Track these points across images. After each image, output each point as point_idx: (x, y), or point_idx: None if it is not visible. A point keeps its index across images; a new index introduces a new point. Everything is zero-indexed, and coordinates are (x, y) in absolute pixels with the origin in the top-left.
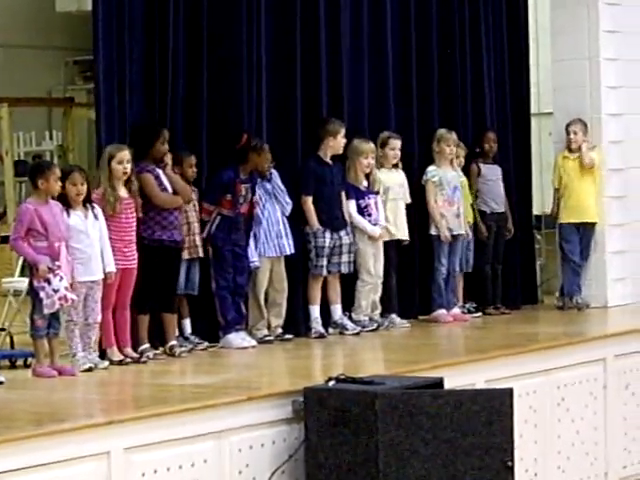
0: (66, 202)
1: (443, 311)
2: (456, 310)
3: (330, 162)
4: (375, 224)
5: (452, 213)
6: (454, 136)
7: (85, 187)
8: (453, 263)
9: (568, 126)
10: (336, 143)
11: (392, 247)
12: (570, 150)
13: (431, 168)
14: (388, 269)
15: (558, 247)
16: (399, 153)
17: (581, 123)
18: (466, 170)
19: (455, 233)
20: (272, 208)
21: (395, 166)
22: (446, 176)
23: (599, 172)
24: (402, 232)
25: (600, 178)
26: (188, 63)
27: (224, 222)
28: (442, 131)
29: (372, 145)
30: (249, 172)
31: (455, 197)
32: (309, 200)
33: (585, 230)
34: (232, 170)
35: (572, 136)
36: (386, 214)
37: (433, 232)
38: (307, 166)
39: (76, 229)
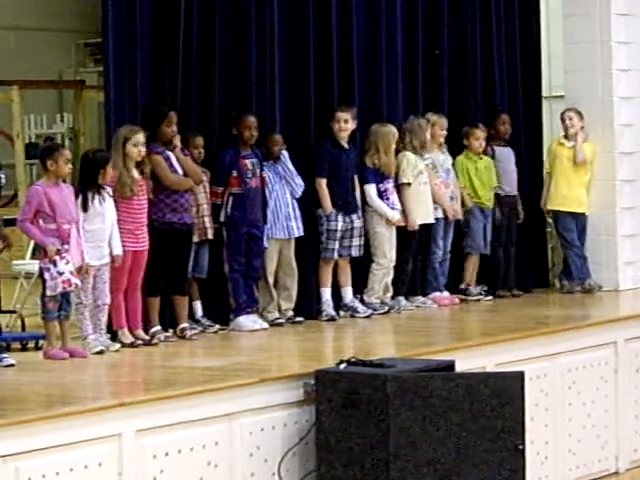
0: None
1: (438, 293)
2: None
3: (346, 145)
4: (392, 208)
5: (447, 196)
6: (443, 119)
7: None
8: (446, 246)
9: (563, 114)
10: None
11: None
12: (566, 137)
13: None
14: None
15: (557, 235)
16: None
17: (575, 111)
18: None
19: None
20: (281, 190)
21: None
22: (438, 159)
23: (591, 166)
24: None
25: (592, 172)
26: (200, 45)
27: (237, 200)
28: (431, 115)
29: (394, 129)
30: (249, 147)
31: (450, 180)
32: (323, 182)
33: (578, 218)
34: (232, 148)
35: (568, 122)
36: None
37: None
38: (322, 148)
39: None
